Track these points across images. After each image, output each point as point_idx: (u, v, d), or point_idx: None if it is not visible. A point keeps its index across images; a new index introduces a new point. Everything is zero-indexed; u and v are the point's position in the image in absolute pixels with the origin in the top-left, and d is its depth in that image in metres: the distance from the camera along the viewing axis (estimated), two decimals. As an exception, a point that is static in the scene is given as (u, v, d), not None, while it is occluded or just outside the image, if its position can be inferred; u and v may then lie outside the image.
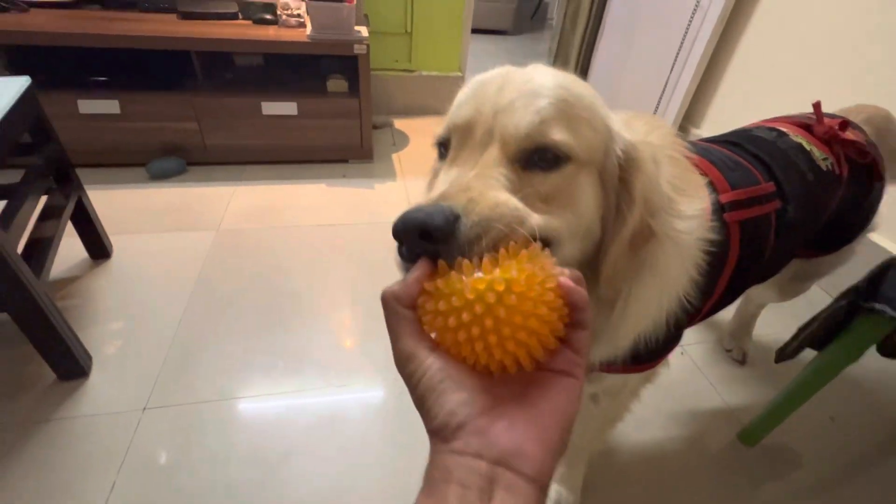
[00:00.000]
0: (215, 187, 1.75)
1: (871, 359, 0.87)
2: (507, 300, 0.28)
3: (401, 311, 0.31)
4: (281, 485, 0.92)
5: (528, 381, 0.31)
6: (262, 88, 1.82)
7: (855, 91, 1.45)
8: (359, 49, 1.71)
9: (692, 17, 1.92)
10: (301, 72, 1.95)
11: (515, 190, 0.39)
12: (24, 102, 1.04)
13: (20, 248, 1.00)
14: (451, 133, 0.44)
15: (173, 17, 1.77)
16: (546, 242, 0.39)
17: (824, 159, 0.75)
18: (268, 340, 1.20)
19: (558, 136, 0.40)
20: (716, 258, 0.56)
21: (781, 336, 1.23)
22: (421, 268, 0.32)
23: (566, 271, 0.32)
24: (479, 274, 0.30)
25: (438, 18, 2.27)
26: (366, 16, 2.05)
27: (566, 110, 0.41)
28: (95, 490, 0.88)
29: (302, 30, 1.76)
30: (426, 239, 0.32)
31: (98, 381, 1.06)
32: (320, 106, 1.84)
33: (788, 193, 0.68)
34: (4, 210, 0.98)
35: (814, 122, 0.79)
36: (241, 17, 1.83)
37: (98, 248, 1.37)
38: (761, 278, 0.78)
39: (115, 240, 1.42)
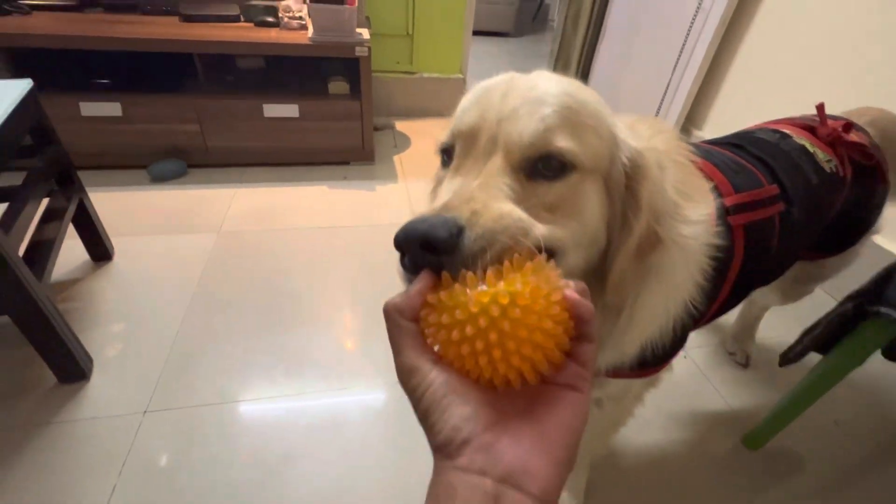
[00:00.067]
0: (216, 189, 1.75)
1: (876, 362, 0.87)
2: (512, 314, 0.28)
3: (403, 324, 0.31)
4: (281, 487, 0.91)
5: (533, 396, 0.30)
6: (263, 91, 1.82)
7: (857, 92, 1.44)
8: (360, 51, 1.71)
9: (694, 19, 1.92)
10: (302, 74, 1.95)
11: (520, 200, 0.38)
12: (26, 105, 1.04)
13: (22, 251, 1.00)
14: (455, 140, 0.43)
15: (175, 19, 1.77)
16: (551, 252, 0.39)
17: (828, 161, 0.75)
18: (268, 342, 1.20)
19: (563, 143, 0.40)
20: (721, 262, 0.56)
21: (785, 339, 1.23)
22: (424, 280, 0.32)
23: (571, 283, 0.31)
24: (483, 287, 0.29)
25: (439, 20, 2.27)
26: (367, 18, 2.05)
27: (571, 118, 0.41)
28: (96, 493, 0.88)
29: (303, 32, 1.76)
30: (429, 251, 0.31)
31: (99, 384, 1.06)
32: (322, 108, 1.84)
33: (792, 196, 0.68)
34: (6, 213, 0.98)
35: (817, 124, 0.79)
36: (242, 19, 1.83)
37: (99, 250, 1.37)
38: (765, 281, 0.77)
39: (117, 242, 1.42)
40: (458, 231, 0.32)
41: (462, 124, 0.42)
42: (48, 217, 1.15)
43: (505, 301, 0.28)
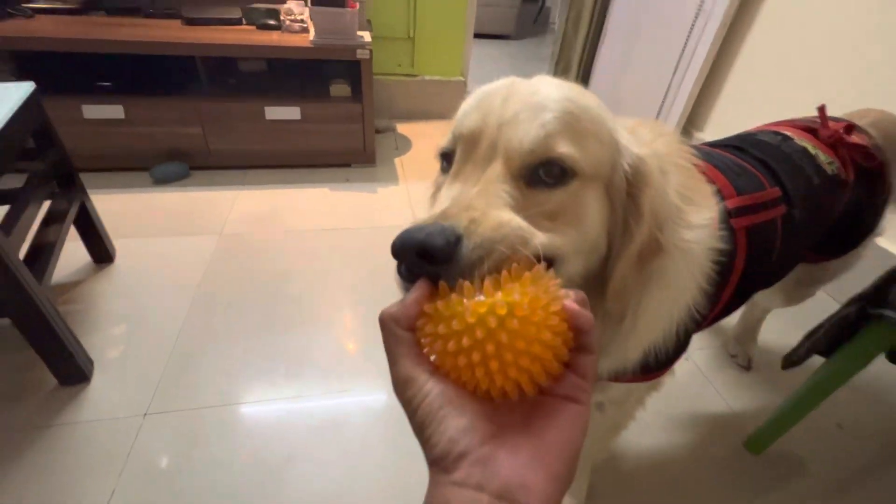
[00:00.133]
0: (218, 192, 1.76)
1: (880, 364, 0.86)
2: (510, 324, 0.28)
3: (399, 334, 0.30)
4: (282, 489, 0.91)
5: (532, 408, 0.30)
6: (265, 93, 1.83)
7: (859, 93, 1.44)
8: (361, 54, 1.72)
9: (695, 20, 1.92)
10: (304, 77, 1.96)
11: (519, 208, 0.37)
12: (28, 108, 1.05)
13: (23, 253, 1.00)
14: (455, 144, 0.43)
15: (177, 22, 1.78)
16: (551, 260, 0.38)
17: (830, 163, 0.74)
18: (269, 344, 1.20)
19: (563, 149, 0.39)
20: (723, 265, 0.55)
21: (787, 341, 1.22)
22: (420, 289, 0.31)
23: (571, 293, 0.31)
24: (481, 297, 0.29)
25: (441, 23, 2.27)
26: (368, 21, 2.06)
27: (572, 123, 0.40)
28: (96, 495, 0.87)
29: (305, 35, 1.77)
30: (426, 259, 0.31)
31: (99, 386, 1.06)
32: (323, 111, 1.84)
33: (794, 198, 0.67)
34: (7, 215, 0.98)
35: (818, 126, 0.79)
36: (244, 22, 1.83)
37: (101, 252, 1.37)
38: (767, 284, 0.77)
39: (119, 244, 1.42)
40: (456, 240, 0.31)
41: (462, 128, 0.42)
42: (49, 219, 1.16)
43: (502, 312, 0.28)
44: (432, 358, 0.30)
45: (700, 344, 1.29)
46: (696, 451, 1.03)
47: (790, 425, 0.96)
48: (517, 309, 0.28)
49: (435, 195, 0.50)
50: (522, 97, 0.41)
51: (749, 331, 1.23)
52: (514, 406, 0.29)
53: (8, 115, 0.95)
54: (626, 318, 0.51)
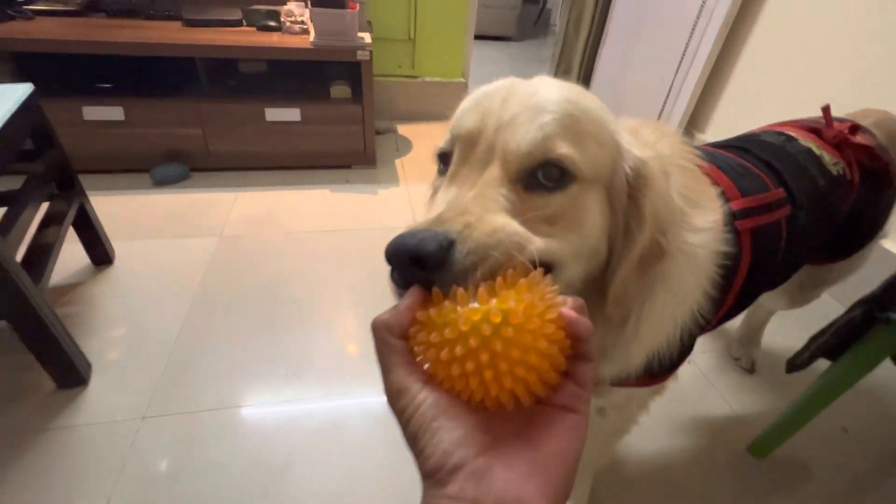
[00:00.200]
0: (218, 193, 1.75)
1: (886, 368, 0.85)
2: (504, 333, 0.27)
3: (391, 342, 0.30)
4: (282, 493, 0.90)
5: (528, 418, 0.29)
6: (265, 95, 1.82)
7: (862, 93, 1.43)
8: (362, 55, 1.71)
9: (697, 20, 1.91)
10: (304, 78, 1.95)
11: (517, 212, 0.37)
12: (26, 109, 1.04)
13: (20, 255, 1.00)
14: (453, 144, 0.42)
15: (177, 24, 1.78)
16: (549, 266, 0.37)
17: (835, 164, 0.73)
18: (269, 347, 1.19)
19: (563, 150, 0.38)
20: (728, 268, 0.55)
21: (791, 344, 1.21)
22: (413, 295, 0.31)
23: (569, 300, 0.30)
24: (475, 304, 0.28)
25: (441, 25, 2.27)
26: (369, 22, 2.05)
27: (572, 126, 0.39)
28: (92, 499, 0.87)
29: (305, 36, 1.76)
30: (418, 266, 0.30)
31: (97, 389, 1.05)
32: (323, 112, 1.84)
33: (799, 199, 0.66)
34: (4, 217, 0.98)
35: (823, 126, 0.78)
36: (244, 23, 1.83)
37: (100, 254, 1.37)
38: (772, 286, 0.76)
39: (118, 246, 1.42)
40: (449, 245, 0.31)
41: (460, 128, 0.41)
42: (48, 221, 1.15)
43: (497, 319, 0.27)
44: (426, 367, 0.29)
45: (703, 347, 1.28)
46: (699, 456, 1.02)
47: (795, 430, 0.95)
48: (512, 316, 0.27)
49: (433, 198, 0.49)
50: (521, 98, 0.40)
51: (752, 333, 1.22)
52: (510, 416, 0.29)
53: (6, 116, 0.95)
54: (629, 322, 0.50)
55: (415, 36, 2.27)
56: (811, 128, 0.78)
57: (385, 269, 0.33)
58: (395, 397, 0.29)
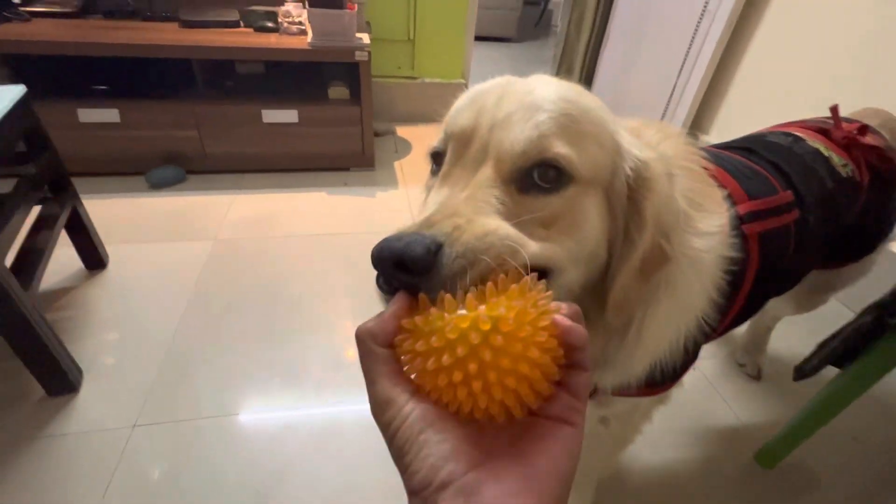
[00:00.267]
0: (215, 196, 1.73)
1: (897, 376, 0.82)
2: (494, 341, 0.25)
3: (376, 351, 0.28)
4: (276, 503, 0.88)
5: (521, 431, 0.27)
6: (262, 96, 1.81)
7: (866, 94, 1.41)
8: (360, 56, 1.70)
9: (700, 21, 1.89)
10: (302, 79, 1.94)
11: (510, 214, 0.35)
12: (18, 111, 1.03)
13: (10, 260, 0.98)
14: (446, 143, 0.40)
15: (174, 25, 1.76)
16: (545, 271, 0.36)
17: (844, 165, 0.71)
18: (265, 353, 1.17)
19: (559, 150, 0.37)
20: (735, 274, 0.52)
21: (797, 350, 1.18)
22: (399, 302, 0.29)
23: (563, 306, 0.28)
24: (463, 311, 0.26)
25: (441, 25, 2.25)
26: (368, 23, 2.04)
27: (569, 125, 0.38)
28: (81, 510, 0.85)
29: (303, 37, 1.75)
30: (404, 270, 0.29)
31: (88, 396, 1.03)
32: (321, 113, 1.82)
33: (808, 202, 0.64)
34: (-7, 221, 0.96)
35: (831, 127, 0.76)
36: (242, 24, 1.82)
37: (93, 258, 1.35)
38: (780, 291, 0.74)
39: (112, 250, 1.40)
40: (437, 249, 0.29)
41: (454, 127, 0.40)
42: (40, 225, 1.13)
43: (486, 327, 0.25)
44: (412, 377, 0.28)
45: (707, 353, 1.25)
46: (704, 465, 0.99)
47: (803, 439, 0.92)
48: (502, 324, 0.26)
49: (427, 200, 0.47)
50: (517, 97, 0.39)
51: (758, 339, 1.19)
52: (501, 429, 0.27)
53: (-5, 118, 0.93)
54: (631, 330, 0.48)
55: (414, 36, 2.25)
56: (819, 128, 0.76)
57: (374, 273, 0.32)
58: (381, 409, 0.27)
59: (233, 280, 1.38)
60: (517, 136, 0.37)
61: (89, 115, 1.63)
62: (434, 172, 0.43)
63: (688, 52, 1.96)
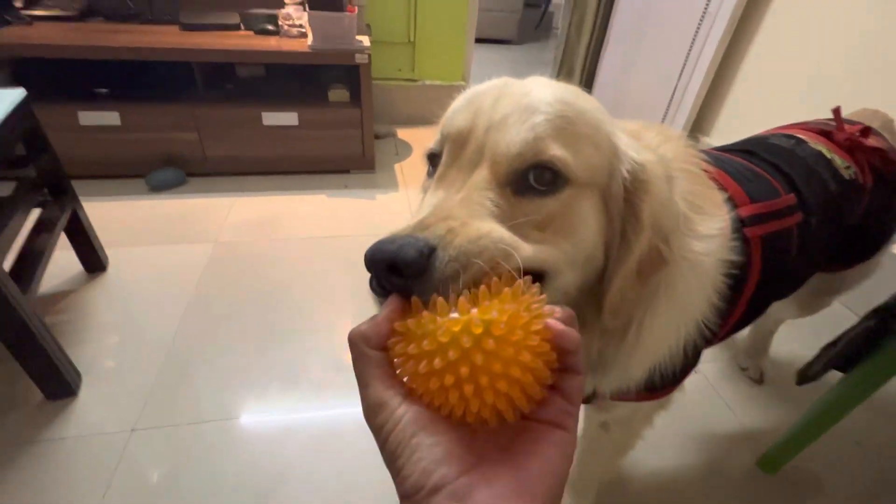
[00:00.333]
0: (215, 198, 1.73)
1: (901, 381, 0.81)
2: (486, 345, 0.25)
3: (369, 354, 0.28)
4: (274, 509, 0.87)
5: (513, 435, 0.27)
6: (262, 99, 1.81)
7: (867, 96, 1.40)
8: (360, 59, 1.70)
9: (700, 24, 1.88)
10: (302, 82, 1.94)
11: (505, 217, 0.35)
12: (18, 114, 1.03)
13: (9, 263, 0.98)
14: (443, 144, 0.40)
15: (175, 28, 1.77)
16: (540, 274, 0.36)
17: (847, 168, 0.70)
18: (264, 356, 1.16)
19: (555, 152, 0.36)
20: (736, 278, 0.52)
21: (800, 353, 1.17)
22: (392, 304, 0.29)
23: (557, 310, 0.28)
24: (455, 314, 0.26)
25: (441, 28, 2.25)
26: (368, 25, 2.04)
27: (566, 127, 0.38)
28: (78, 516, 0.84)
29: (303, 40, 1.75)
30: (397, 273, 0.29)
31: (87, 400, 1.03)
32: (321, 116, 1.82)
33: (810, 205, 0.64)
34: (-8, 224, 0.96)
35: (833, 129, 0.75)
36: (242, 27, 1.82)
37: (93, 261, 1.35)
38: (783, 295, 0.73)
39: (112, 253, 1.40)
40: (429, 252, 0.29)
41: (450, 128, 0.40)
42: (39, 228, 1.13)
43: (478, 331, 0.25)
44: (405, 380, 0.28)
45: (709, 356, 1.24)
46: (707, 471, 0.98)
47: (806, 444, 0.91)
48: (494, 328, 0.26)
49: (423, 201, 0.47)
50: (514, 98, 0.39)
51: (760, 342, 1.19)
52: (494, 433, 0.27)
53: (-6, 121, 0.93)
54: (630, 333, 0.48)
55: (415, 39, 2.25)
56: (821, 130, 0.75)
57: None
58: (373, 412, 0.27)
59: (233, 283, 1.37)
60: (513, 138, 0.36)
61: (90, 117, 1.63)
62: (430, 174, 0.42)
63: (688, 54, 1.96)
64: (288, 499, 0.89)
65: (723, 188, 0.57)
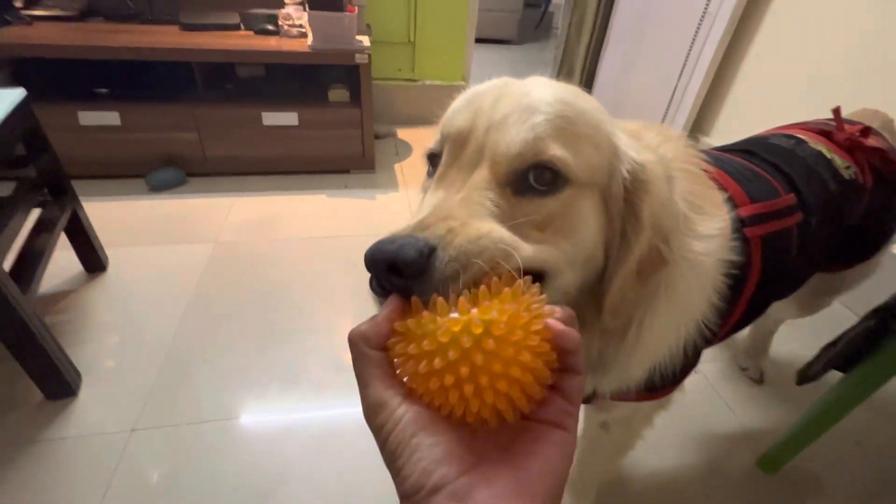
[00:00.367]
0: (215, 198, 1.73)
1: (901, 381, 0.81)
2: (485, 345, 0.25)
3: (369, 354, 0.28)
4: (274, 510, 0.87)
5: (513, 435, 0.27)
6: (262, 99, 1.81)
7: (867, 96, 1.40)
8: (360, 59, 1.70)
9: (700, 23, 1.88)
10: (302, 82, 1.94)
11: (505, 217, 0.35)
12: (18, 114, 1.03)
13: (9, 263, 0.97)
14: (443, 144, 0.40)
15: (175, 28, 1.77)
16: (540, 274, 0.36)
17: (847, 168, 0.70)
18: (265, 356, 1.16)
19: (555, 152, 0.36)
20: (736, 278, 0.52)
21: (800, 353, 1.17)
22: (392, 304, 0.29)
23: (557, 310, 0.28)
24: (455, 314, 0.27)
25: (442, 28, 2.25)
26: (368, 25, 2.04)
27: (565, 127, 0.38)
28: (78, 516, 0.84)
29: (303, 40, 1.75)
30: (397, 273, 0.29)
31: (87, 400, 1.03)
32: (321, 116, 1.82)
33: (811, 205, 0.64)
34: (-8, 224, 0.96)
35: (833, 129, 0.75)
36: (242, 28, 1.82)
37: (93, 261, 1.35)
38: (783, 295, 0.73)
39: (112, 252, 1.40)
40: (429, 252, 0.29)
41: (450, 128, 0.40)
42: (39, 228, 1.13)
43: (478, 331, 0.26)
44: (405, 380, 0.28)
45: (708, 356, 1.24)
46: (707, 471, 0.98)
47: (806, 444, 0.91)
48: (494, 328, 0.26)
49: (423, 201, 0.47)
50: (514, 98, 0.39)
51: (760, 342, 1.19)
52: (494, 433, 0.27)
53: (-6, 121, 0.93)
54: (629, 333, 0.48)
55: (415, 39, 2.25)
56: (821, 130, 0.75)
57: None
58: (374, 412, 0.27)
59: (233, 283, 1.37)
60: (513, 138, 0.36)
61: (90, 117, 1.63)
62: (430, 174, 0.43)
63: (688, 53, 1.96)
64: (288, 499, 0.89)
65: (723, 188, 0.57)
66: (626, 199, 0.41)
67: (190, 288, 1.33)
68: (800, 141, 0.73)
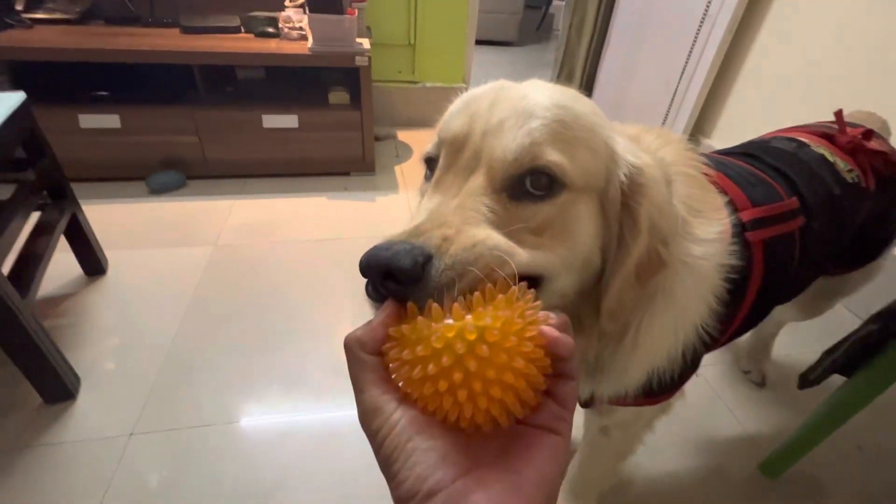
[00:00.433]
0: (215, 201, 1.73)
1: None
2: (479, 351, 0.26)
3: (364, 359, 0.28)
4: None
5: (508, 439, 0.27)
6: (263, 101, 1.81)
7: (868, 97, 1.39)
8: (360, 61, 1.69)
9: (701, 25, 1.88)
10: (302, 84, 1.94)
11: (501, 223, 0.35)
12: (17, 118, 1.03)
13: (8, 266, 0.97)
14: (439, 149, 0.40)
15: (175, 31, 1.77)
16: (537, 279, 0.36)
17: (849, 171, 0.70)
18: (264, 360, 1.16)
19: (551, 157, 0.36)
20: (738, 282, 0.51)
21: (802, 356, 1.17)
22: (387, 310, 0.29)
23: (551, 316, 0.28)
24: (449, 320, 0.27)
25: (442, 30, 2.25)
26: (368, 28, 2.04)
27: (562, 132, 0.38)
28: (76, 521, 0.84)
29: (303, 42, 1.75)
30: (392, 280, 0.29)
31: (86, 404, 1.03)
32: (321, 118, 1.82)
33: (813, 209, 0.63)
34: (-9, 227, 0.96)
35: (835, 132, 0.74)
36: (243, 30, 1.82)
37: (93, 264, 1.34)
38: (785, 299, 0.73)
39: (111, 255, 1.39)
40: (425, 260, 0.29)
41: (447, 132, 0.40)
42: (39, 231, 1.13)
43: (472, 337, 0.26)
44: (400, 385, 0.28)
45: (710, 359, 1.23)
46: (707, 475, 0.98)
47: (808, 449, 0.91)
48: (488, 334, 0.26)
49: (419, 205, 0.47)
50: (510, 102, 0.39)
51: (762, 345, 1.18)
52: (489, 438, 0.28)
53: (-6, 125, 0.93)
54: (627, 337, 0.48)
55: (415, 41, 2.25)
56: (823, 133, 0.75)
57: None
58: (369, 417, 0.27)
59: (232, 286, 1.37)
60: (509, 144, 0.36)
61: (90, 120, 1.63)
62: (428, 177, 0.42)
63: (689, 55, 1.96)
64: (287, 501, 0.89)
65: (723, 192, 0.56)
66: (623, 203, 0.40)
67: (189, 291, 1.33)
68: (802, 144, 0.72)
